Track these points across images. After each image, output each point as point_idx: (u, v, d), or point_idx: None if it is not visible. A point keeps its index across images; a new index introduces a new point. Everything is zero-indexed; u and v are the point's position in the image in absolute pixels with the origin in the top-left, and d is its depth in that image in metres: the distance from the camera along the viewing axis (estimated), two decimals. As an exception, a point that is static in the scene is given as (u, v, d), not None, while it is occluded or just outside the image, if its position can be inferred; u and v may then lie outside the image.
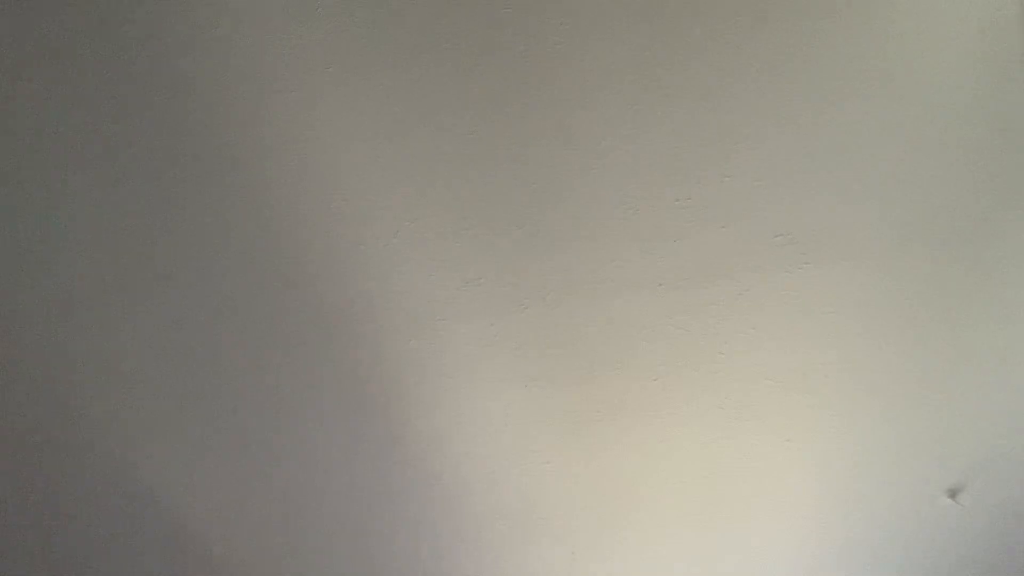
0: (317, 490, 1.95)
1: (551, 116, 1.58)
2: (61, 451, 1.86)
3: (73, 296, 1.70)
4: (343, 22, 1.51)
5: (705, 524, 2.06)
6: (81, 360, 1.76)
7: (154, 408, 1.82)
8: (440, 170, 1.62)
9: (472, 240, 1.67)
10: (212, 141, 1.58)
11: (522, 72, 1.55)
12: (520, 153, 1.61)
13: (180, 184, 1.61)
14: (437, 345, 1.77)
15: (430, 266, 1.69)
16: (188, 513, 1.95)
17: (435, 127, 1.58)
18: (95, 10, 1.48)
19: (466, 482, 1.96)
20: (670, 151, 1.62)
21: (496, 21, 1.52)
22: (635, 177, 1.64)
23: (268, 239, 1.66)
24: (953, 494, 2.03)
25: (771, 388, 1.86)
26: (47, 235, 1.65)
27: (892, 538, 2.11)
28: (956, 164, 1.66)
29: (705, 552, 2.13)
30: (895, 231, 1.70)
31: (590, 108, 1.58)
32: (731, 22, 1.53)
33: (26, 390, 1.79)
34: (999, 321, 1.82)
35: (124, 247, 1.66)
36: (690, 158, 1.62)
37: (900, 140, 1.63)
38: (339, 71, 1.53)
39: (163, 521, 1.95)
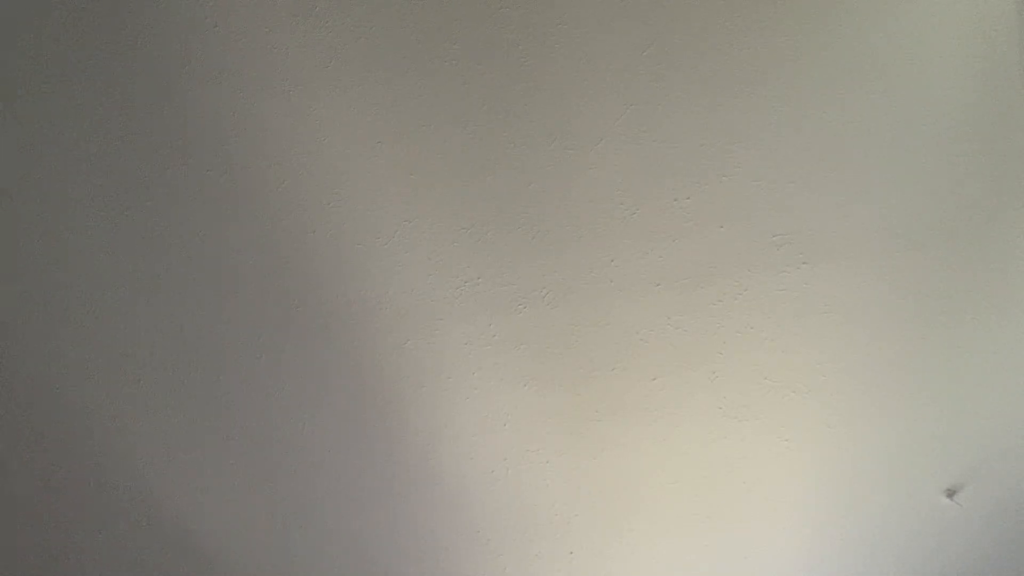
0: (316, 489, 1.95)
1: (550, 117, 1.59)
2: (60, 451, 1.86)
3: (73, 296, 1.70)
4: (342, 22, 1.51)
5: (703, 523, 2.06)
6: (80, 361, 1.76)
7: (153, 408, 1.82)
8: (439, 170, 1.62)
9: (470, 240, 1.68)
10: (211, 141, 1.58)
11: (521, 73, 1.56)
12: (519, 154, 1.61)
13: (179, 184, 1.61)
14: (436, 345, 1.77)
15: (428, 266, 1.70)
16: (188, 513, 1.95)
17: (434, 127, 1.59)
18: (95, 11, 1.48)
19: (465, 482, 1.96)
20: (668, 152, 1.62)
21: (495, 22, 1.52)
22: (633, 178, 1.64)
23: (266, 240, 1.66)
24: (951, 494, 2.03)
25: (769, 388, 1.86)
26: (48, 235, 1.65)
27: (890, 537, 2.11)
28: (954, 165, 1.66)
29: (704, 551, 2.13)
30: (893, 231, 1.71)
31: (588, 109, 1.58)
32: (729, 23, 1.53)
33: (26, 391, 1.79)
34: (996, 321, 1.82)
35: (122, 247, 1.66)
36: (688, 159, 1.63)
37: (898, 141, 1.64)
38: (338, 70, 1.54)
39: (163, 521, 1.95)
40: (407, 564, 2.10)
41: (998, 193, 1.69)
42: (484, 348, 1.78)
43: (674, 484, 1.99)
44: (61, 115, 1.56)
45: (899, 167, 1.65)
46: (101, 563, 2.01)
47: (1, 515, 1.94)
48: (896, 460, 1.98)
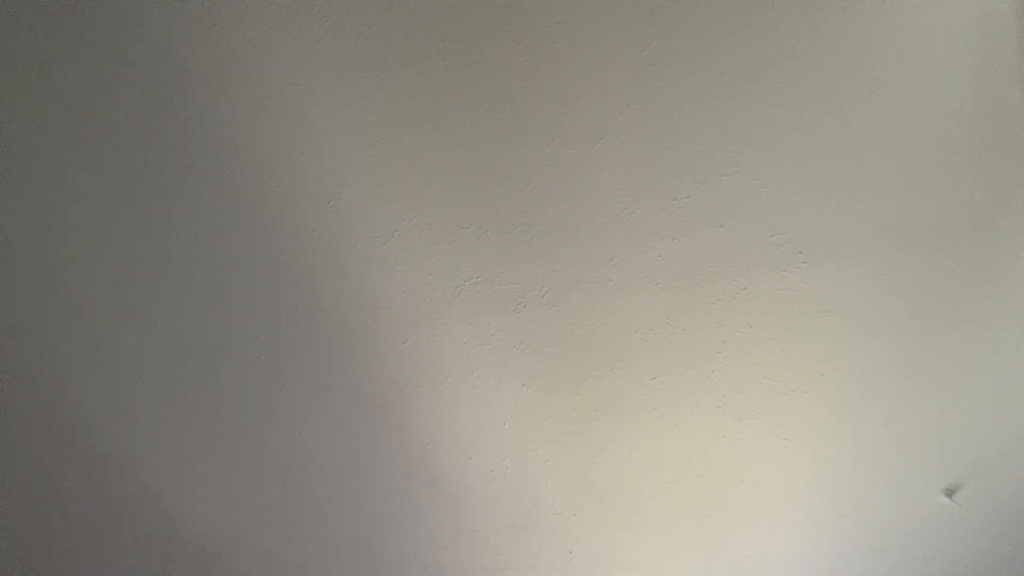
0: (316, 488, 1.95)
1: (549, 117, 1.59)
2: (60, 450, 1.86)
3: (73, 295, 1.70)
4: (341, 22, 1.51)
5: (702, 522, 2.07)
6: (80, 361, 1.76)
7: (153, 407, 1.82)
8: (438, 170, 1.62)
9: (470, 240, 1.68)
10: (211, 141, 1.58)
11: (520, 73, 1.55)
12: (518, 153, 1.61)
13: (178, 184, 1.61)
14: (435, 344, 1.77)
15: (428, 266, 1.70)
16: (188, 512, 1.95)
17: (433, 127, 1.58)
18: (95, 11, 1.48)
19: (465, 481, 1.96)
20: (668, 151, 1.62)
21: (494, 22, 1.52)
22: (633, 177, 1.64)
23: (266, 239, 1.66)
24: (950, 493, 2.03)
25: (769, 387, 1.86)
26: (48, 234, 1.65)
27: (889, 536, 2.11)
28: (954, 164, 1.66)
29: (703, 550, 2.13)
30: (892, 231, 1.71)
31: (588, 108, 1.58)
32: (729, 23, 1.53)
33: (27, 390, 1.79)
34: (995, 321, 1.82)
35: (122, 247, 1.66)
36: (688, 158, 1.63)
37: (897, 140, 1.64)
38: (337, 70, 1.54)
39: (163, 521, 1.95)
40: (407, 563, 2.10)
41: (997, 193, 1.69)
42: (483, 347, 1.78)
43: (674, 483, 1.99)
44: (60, 115, 1.56)
45: (899, 166, 1.65)
46: (101, 562, 2.01)
47: (0, 514, 1.94)
48: (895, 459, 1.98)
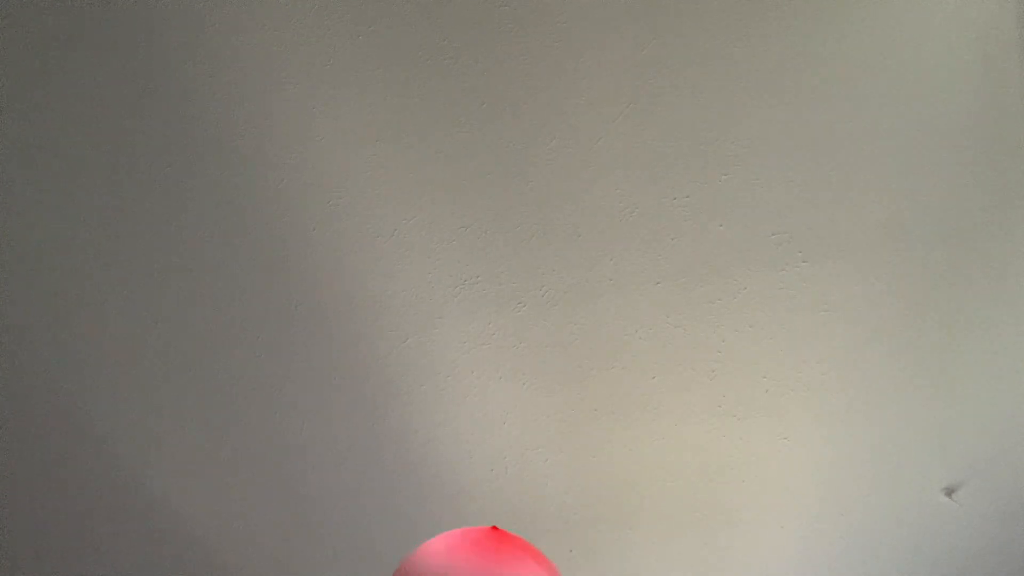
0: (315, 488, 1.95)
1: (549, 115, 1.59)
2: (60, 450, 1.86)
3: (72, 295, 1.70)
4: (341, 21, 1.51)
5: (703, 521, 2.07)
6: (79, 360, 1.76)
7: (152, 407, 1.82)
8: (438, 169, 1.62)
9: (469, 238, 1.68)
10: (210, 139, 1.58)
11: (520, 71, 1.56)
12: (518, 152, 1.61)
13: (178, 183, 1.61)
14: (435, 343, 1.77)
15: (428, 265, 1.70)
16: (187, 512, 1.95)
17: (433, 127, 1.59)
18: (94, 10, 1.48)
19: (465, 480, 1.96)
20: (668, 151, 1.62)
21: (494, 22, 1.52)
22: (633, 176, 1.64)
23: (266, 238, 1.66)
24: (950, 492, 2.03)
25: (768, 386, 1.86)
26: (48, 233, 1.65)
27: (889, 536, 2.11)
28: (954, 163, 1.66)
29: (703, 548, 2.13)
30: (892, 230, 1.71)
31: (587, 107, 1.58)
32: (729, 22, 1.53)
33: (27, 390, 1.79)
34: (996, 319, 1.82)
35: (121, 246, 1.66)
36: (688, 157, 1.63)
37: (897, 139, 1.64)
38: (337, 69, 1.54)
39: (162, 520, 1.96)
40: (406, 562, 2.10)
41: (998, 191, 1.69)
42: (483, 346, 1.78)
43: (673, 482, 1.99)
44: (60, 114, 1.56)
45: (899, 165, 1.65)
46: (100, 561, 2.01)
47: (0, 513, 1.94)
48: (895, 458, 1.98)
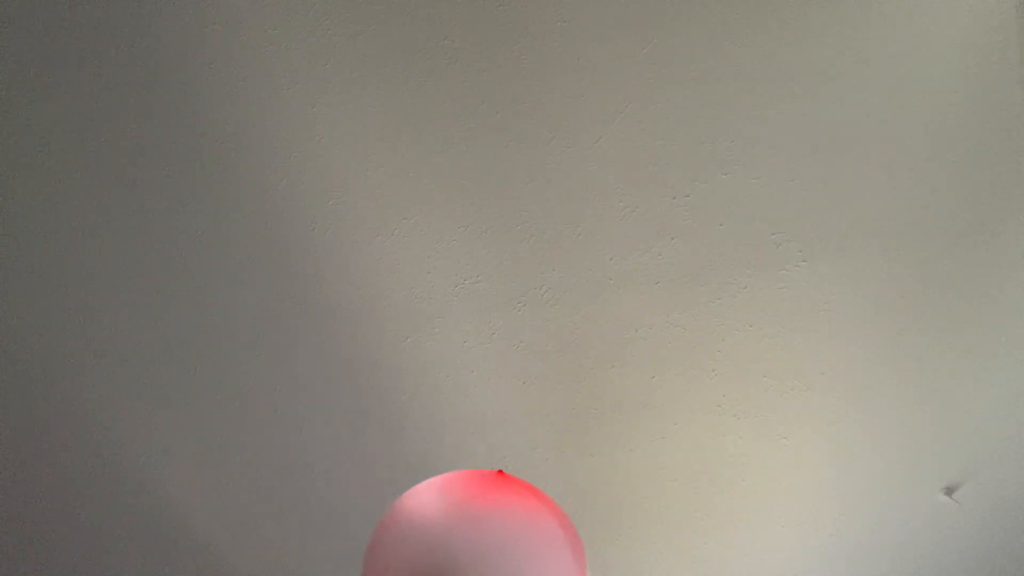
0: (316, 487, 1.95)
1: (549, 114, 1.59)
2: (59, 449, 1.86)
3: (72, 295, 1.70)
4: (340, 20, 1.51)
5: (702, 521, 2.06)
6: (79, 359, 1.76)
7: (152, 406, 1.82)
8: (437, 168, 1.62)
9: (469, 238, 1.68)
10: (210, 139, 1.58)
11: (520, 70, 1.56)
12: (518, 152, 1.61)
13: (177, 182, 1.61)
14: (435, 343, 1.77)
15: (427, 264, 1.70)
16: (187, 511, 1.95)
17: (433, 126, 1.59)
18: (93, 9, 1.48)
19: (464, 480, 1.96)
20: (667, 150, 1.62)
21: (494, 22, 1.52)
22: (632, 176, 1.64)
23: (266, 237, 1.66)
24: (950, 491, 2.03)
25: (769, 386, 1.86)
26: (48, 232, 1.65)
27: (889, 535, 2.11)
28: (955, 163, 1.66)
29: (703, 548, 2.13)
30: (893, 229, 1.71)
31: (587, 105, 1.58)
32: (730, 22, 1.54)
33: (27, 389, 1.79)
34: (997, 318, 1.82)
35: (121, 246, 1.66)
36: (688, 156, 1.63)
37: (898, 138, 1.64)
38: (336, 68, 1.54)
39: (162, 520, 1.95)
40: (406, 562, 2.10)
41: (999, 191, 1.69)
42: (483, 346, 1.78)
43: (673, 482, 1.99)
44: (59, 114, 1.56)
45: (899, 165, 1.65)
46: (100, 561, 2.01)
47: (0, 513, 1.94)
48: (895, 457, 1.98)
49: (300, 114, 1.56)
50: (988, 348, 1.86)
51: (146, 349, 1.76)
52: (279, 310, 1.72)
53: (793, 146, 1.63)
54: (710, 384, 1.85)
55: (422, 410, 1.85)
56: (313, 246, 1.67)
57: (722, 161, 1.63)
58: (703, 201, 1.66)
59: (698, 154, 1.62)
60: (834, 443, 1.96)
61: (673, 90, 1.57)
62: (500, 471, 1.13)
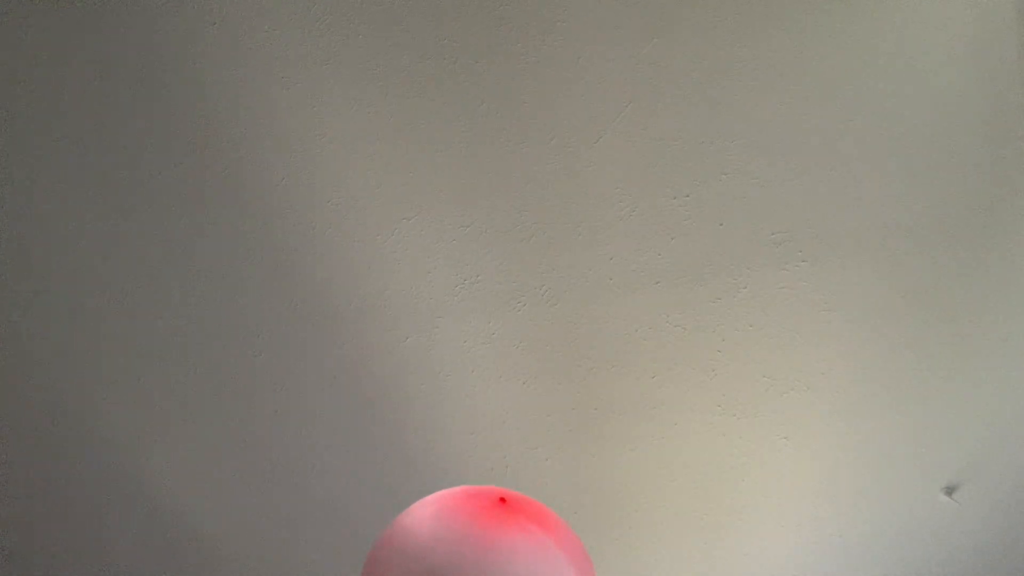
0: (316, 487, 1.95)
1: (549, 114, 1.59)
2: (60, 449, 1.86)
3: (72, 295, 1.70)
4: (340, 20, 1.51)
5: (702, 520, 2.06)
6: (79, 359, 1.76)
7: (152, 406, 1.82)
8: (438, 168, 1.62)
9: (469, 238, 1.68)
10: (210, 139, 1.58)
11: (520, 71, 1.56)
12: (518, 151, 1.61)
13: (177, 182, 1.61)
14: (435, 343, 1.77)
15: (428, 264, 1.70)
16: (187, 512, 1.95)
17: (432, 125, 1.59)
18: (94, 9, 1.48)
19: (464, 480, 1.96)
20: (667, 150, 1.62)
21: (495, 20, 1.52)
22: (632, 175, 1.64)
23: (265, 237, 1.66)
24: (950, 491, 2.03)
25: (768, 386, 1.86)
26: (47, 234, 1.65)
27: (889, 535, 2.11)
28: (954, 162, 1.66)
29: (702, 548, 2.13)
30: (892, 229, 1.71)
31: (587, 106, 1.58)
32: (730, 22, 1.54)
33: (26, 389, 1.79)
34: (996, 318, 1.82)
35: (121, 246, 1.66)
36: (687, 156, 1.63)
37: (897, 138, 1.64)
38: (336, 68, 1.54)
39: (162, 520, 1.95)
40: (406, 562, 2.10)
41: (998, 190, 1.69)
42: (483, 346, 1.78)
43: (673, 482, 1.99)
44: (60, 114, 1.56)
45: (899, 164, 1.65)
46: (100, 561, 2.01)
47: (0, 512, 1.94)
48: (895, 457, 1.98)
49: (300, 114, 1.56)
50: (989, 347, 1.86)
51: (146, 349, 1.76)
52: (279, 310, 1.72)
53: (793, 146, 1.63)
54: (710, 384, 1.85)
55: (422, 410, 1.85)
56: (313, 246, 1.67)
57: (722, 161, 1.63)
58: (703, 201, 1.66)
59: (698, 154, 1.62)
60: (834, 443, 1.96)
61: (673, 91, 1.57)
62: (502, 498, 1.03)
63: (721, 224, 1.68)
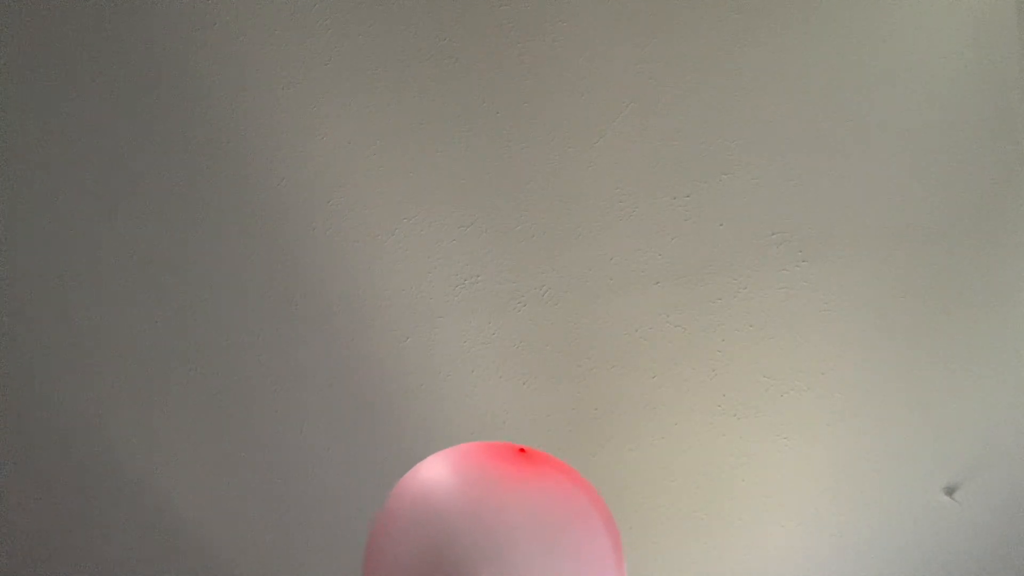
0: (316, 487, 1.95)
1: (549, 114, 1.59)
2: (58, 449, 1.86)
3: (72, 295, 1.70)
4: (341, 20, 1.51)
5: (702, 520, 2.06)
6: (79, 359, 1.76)
7: (152, 406, 1.82)
8: (438, 168, 1.62)
9: (470, 238, 1.68)
10: (211, 138, 1.58)
11: (520, 71, 1.56)
12: (518, 151, 1.61)
13: (178, 182, 1.61)
14: (435, 343, 1.77)
15: (428, 264, 1.70)
16: (187, 512, 1.95)
17: (433, 126, 1.59)
18: (94, 9, 1.48)
19: (464, 480, 1.96)
20: (667, 150, 1.62)
21: (494, 21, 1.52)
22: (633, 176, 1.64)
23: (266, 237, 1.66)
24: (950, 491, 2.03)
25: (769, 386, 1.86)
26: (47, 234, 1.65)
27: (889, 535, 2.11)
28: (954, 163, 1.66)
29: (702, 548, 2.13)
30: (892, 229, 1.71)
31: (588, 106, 1.58)
32: (730, 22, 1.53)
33: (26, 389, 1.79)
34: (996, 318, 1.82)
35: (122, 246, 1.66)
36: (688, 157, 1.63)
37: (897, 138, 1.64)
38: (337, 68, 1.54)
39: (161, 520, 1.95)
40: (406, 562, 2.10)
41: (998, 191, 1.69)
42: (483, 346, 1.78)
43: (673, 482, 1.99)
44: (59, 114, 1.56)
45: (899, 164, 1.65)
46: (99, 561, 2.01)
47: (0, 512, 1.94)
48: (895, 458, 1.98)
49: (300, 114, 1.56)
50: (989, 348, 1.86)
51: (146, 349, 1.76)
52: (279, 310, 1.72)
53: (793, 146, 1.63)
54: (710, 384, 1.85)
55: (422, 410, 1.85)
56: (313, 246, 1.67)
57: (722, 161, 1.63)
58: (703, 201, 1.66)
59: (698, 154, 1.62)
60: (834, 443, 1.96)
61: (673, 91, 1.57)
62: (522, 448, 0.97)
63: (721, 224, 1.68)
